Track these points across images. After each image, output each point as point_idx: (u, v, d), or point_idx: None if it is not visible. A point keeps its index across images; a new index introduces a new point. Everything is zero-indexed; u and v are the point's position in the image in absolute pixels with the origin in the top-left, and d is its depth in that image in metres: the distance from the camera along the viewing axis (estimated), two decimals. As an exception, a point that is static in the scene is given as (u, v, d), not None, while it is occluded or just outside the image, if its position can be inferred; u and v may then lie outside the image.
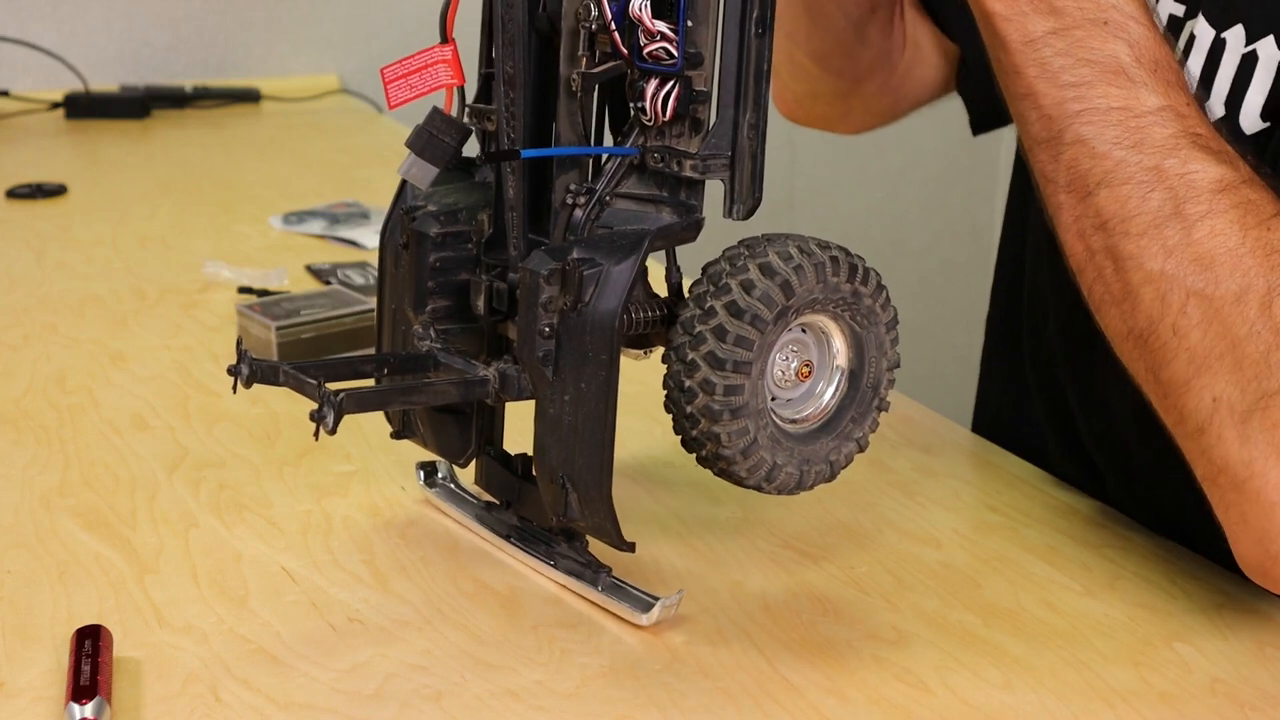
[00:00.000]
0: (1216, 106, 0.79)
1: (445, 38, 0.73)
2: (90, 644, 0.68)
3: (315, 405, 0.66)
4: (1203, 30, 0.80)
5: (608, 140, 0.74)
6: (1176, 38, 0.82)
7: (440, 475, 0.86)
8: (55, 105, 1.95)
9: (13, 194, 1.54)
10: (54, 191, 1.56)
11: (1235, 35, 0.79)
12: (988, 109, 1.08)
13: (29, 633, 0.72)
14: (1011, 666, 0.71)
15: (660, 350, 0.73)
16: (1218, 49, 0.79)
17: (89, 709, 0.64)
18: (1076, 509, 0.88)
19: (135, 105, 1.95)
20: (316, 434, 0.65)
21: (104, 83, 2.04)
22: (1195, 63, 0.80)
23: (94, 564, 0.79)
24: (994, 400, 1.10)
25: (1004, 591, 0.78)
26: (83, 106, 1.93)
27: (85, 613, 0.74)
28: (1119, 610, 0.77)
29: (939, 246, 2.62)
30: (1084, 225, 0.72)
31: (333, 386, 0.66)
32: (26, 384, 1.03)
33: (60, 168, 1.69)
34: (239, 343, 0.69)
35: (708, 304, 0.67)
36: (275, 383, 0.68)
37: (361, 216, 1.45)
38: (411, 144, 0.73)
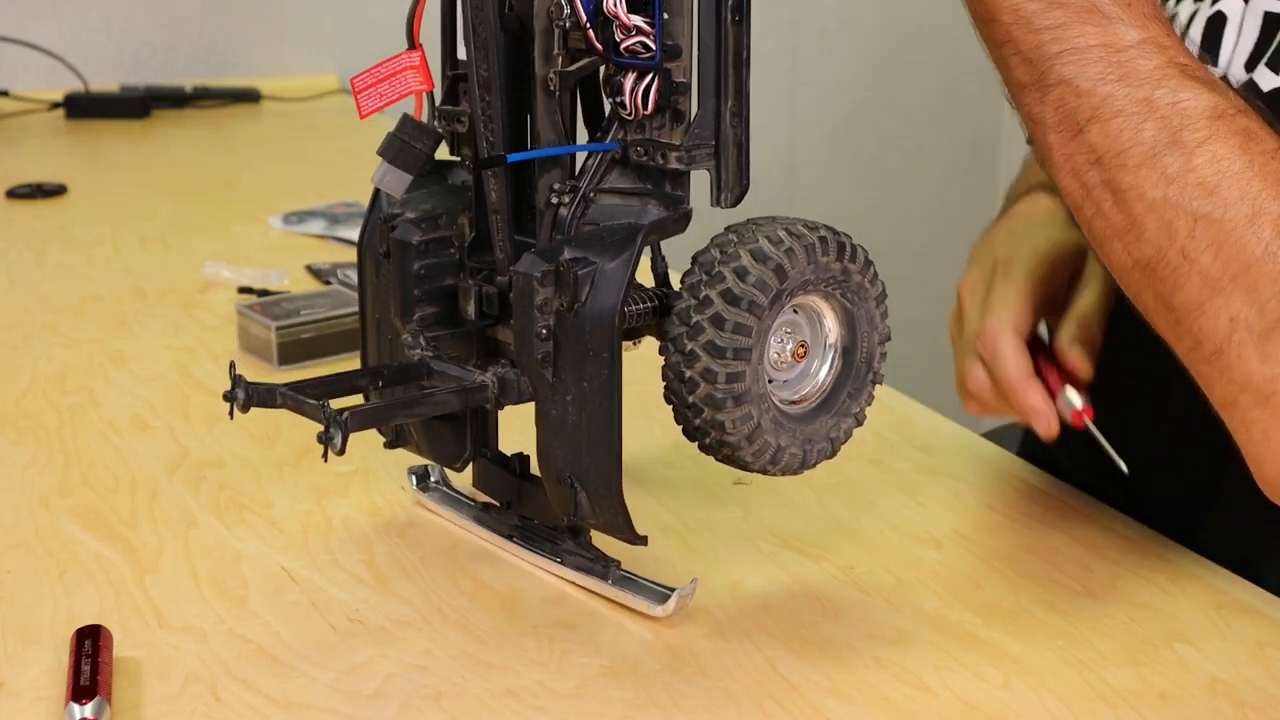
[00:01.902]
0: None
1: (412, 43, 0.73)
2: (90, 644, 0.68)
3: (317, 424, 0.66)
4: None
5: (582, 135, 0.74)
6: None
7: (433, 480, 0.86)
8: (55, 105, 1.95)
9: (13, 194, 1.54)
10: (54, 191, 1.56)
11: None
12: None
13: (29, 633, 0.72)
14: (1011, 666, 0.71)
15: (649, 339, 0.73)
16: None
17: (89, 709, 0.64)
18: (1076, 509, 0.88)
19: (135, 105, 1.95)
20: (325, 455, 0.65)
21: (104, 83, 2.04)
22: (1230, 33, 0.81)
23: (94, 564, 0.79)
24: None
25: (1004, 591, 0.78)
26: (83, 106, 1.94)
27: (85, 613, 0.74)
28: (1119, 610, 0.77)
29: (939, 246, 2.61)
30: (1077, 163, 0.73)
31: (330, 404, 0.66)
32: (26, 384, 1.03)
33: (60, 168, 1.69)
34: (232, 367, 0.69)
35: (702, 293, 0.67)
36: (273, 405, 0.68)
37: (361, 216, 1.44)
38: (384, 152, 0.73)
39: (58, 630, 0.72)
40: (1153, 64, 0.71)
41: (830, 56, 2.52)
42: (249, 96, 2.05)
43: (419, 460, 0.85)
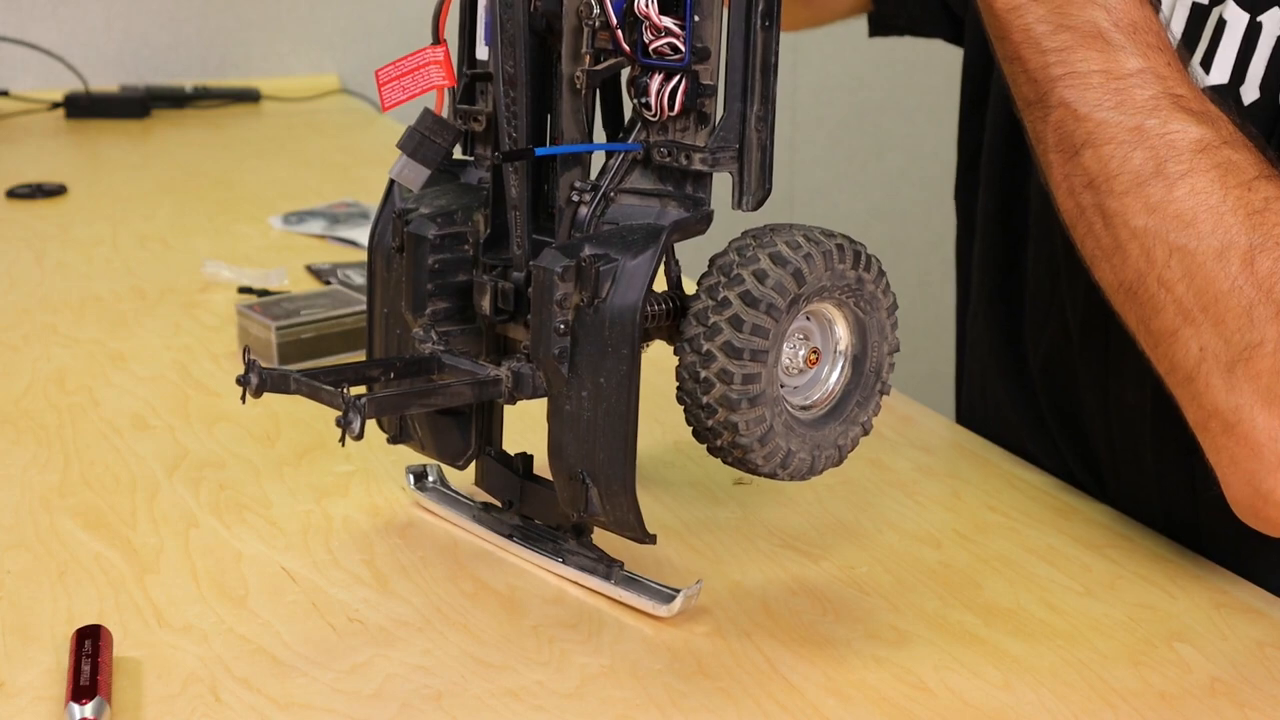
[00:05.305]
0: (1250, 91, 0.80)
1: (437, 39, 0.73)
2: (90, 644, 0.68)
3: (326, 412, 0.65)
4: (1234, 15, 0.82)
5: (596, 135, 0.74)
6: (1201, 26, 0.83)
7: (430, 479, 0.85)
8: (55, 105, 1.95)
9: (13, 194, 1.54)
10: (54, 191, 1.56)
11: (1272, 18, 0.80)
12: (890, 15, 1.15)
13: (29, 633, 0.72)
14: (1011, 666, 0.71)
15: (656, 343, 0.73)
16: (1253, 33, 0.80)
17: (89, 709, 0.64)
18: (1076, 509, 0.88)
19: (135, 105, 1.95)
20: (343, 439, 0.65)
21: (104, 83, 2.04)
22: (1229, 48, 0.82)
23: (94, 564, 0.79)
24: (990, 395, 1.09)
25: (1004, 591, 0.78)
26: (83, 106, 1.93)
27: (85, 613, 0.74)
28: (1119, 610, 0.77)
29: (939, 246, 2.61)
30: (1073, 183, 0.75)
31: None
32: (26, 384, 1.03)
33: (60, 168, 1.69)
34: (246, 351, 0.69)
35: (721, 295, 0.67)
36: (286, 391, 0.68)
37: (361, 216, 1.45)
38: (403, 145, 0.73)
39: (58, 630, 0.72)
40: (1149, 93, 0.73)
41: (830, 56, 2.52)
42: (249, 96, 2.05)
43: (418, 459, 0.85)
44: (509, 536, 0.80)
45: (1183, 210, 0.72)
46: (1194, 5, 0.84)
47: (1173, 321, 0.73)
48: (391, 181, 0.75)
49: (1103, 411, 0.95)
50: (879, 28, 1.19)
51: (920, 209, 2.65)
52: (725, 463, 0.70)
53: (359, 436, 0.65)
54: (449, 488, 0.85)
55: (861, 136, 2.60)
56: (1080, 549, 0.83)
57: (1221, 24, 0.82)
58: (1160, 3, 0.85)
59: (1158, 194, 0.72)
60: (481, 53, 0.76)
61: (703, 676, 0.70)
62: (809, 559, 0.81)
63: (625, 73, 0.72)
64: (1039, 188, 0.99)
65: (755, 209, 0.70)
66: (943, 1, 1.12)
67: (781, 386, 0.70)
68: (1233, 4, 0.81)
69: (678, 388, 0.69)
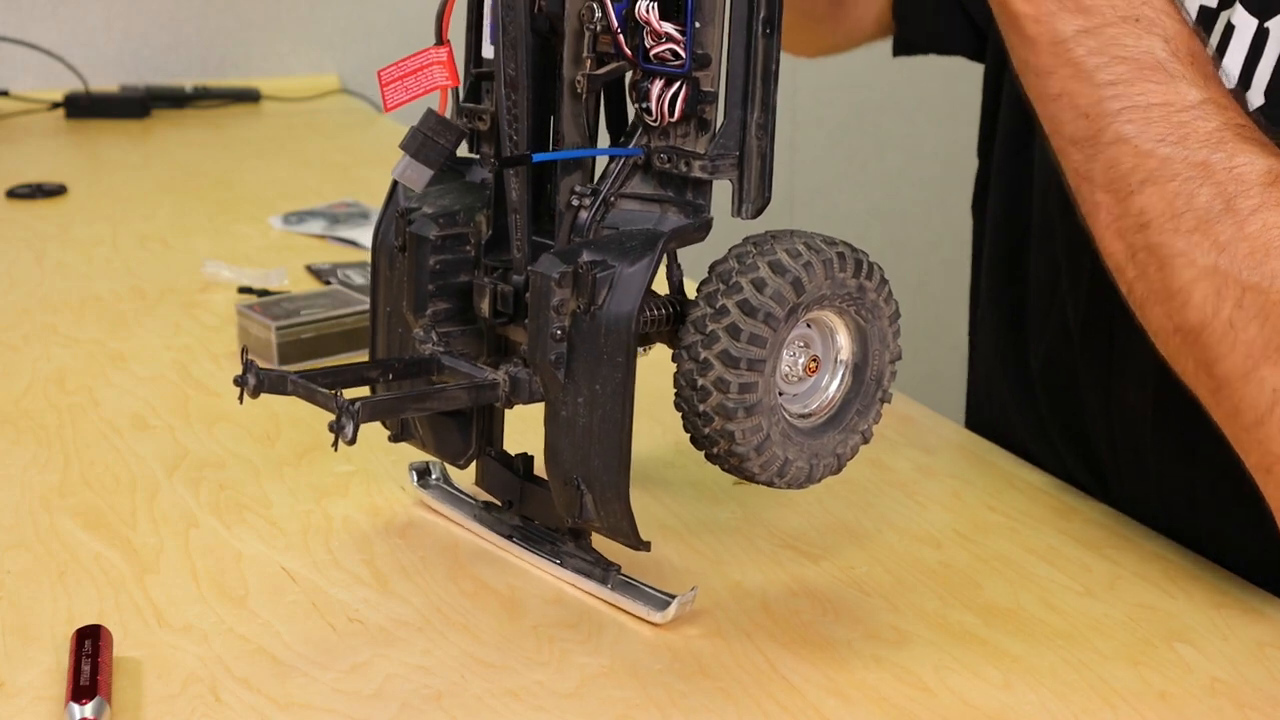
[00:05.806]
0: (1256, 97, 0.79)
1: (441, 39, 0.73)
2: (90, 644, 0.68)
3: (324, 412, 0.66)
4: (1242, 20, 0.80)
5: (601, 138, 0.74)
6: (1209, 30, 0.82)
7: (434, 476, 0.86)
8: (55, 105, 1.95)
9: (13, 194, 1.54)
10: (54, 191, 1.56)
11: (1278, 25, 0.78)
12: (913, 34, 1.14)
13: (29, 633, 0.72)
14: (1011, 666, 0.71)
15: (658, 346, 0.73)
16: (1261, 39, 0.79)
17: (89, 709, 0.64)
18: (1076, 509, 0.88)
19: (135, 105, 1.95)
20: (336, 444, 0.65)
21: (104, 83, 2.04)
22: (1236, 53, 0.80)
23: (94, 564, 0.79)
24: (995, 399, 1.09)
25: (1004, 591, 0.78)
26: (83, 106, 1.93)
27: (85, 613, 0.74)
28: (1119, 610, 0.77)
29: (939, 246, 2.62)
30: (1125, 224, 0.71)
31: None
32: (26, 384, 1.03)
33: (60, 168, 1.69)
34: (244, 352, 0.69)
35: (719, 302, 0.67)
36: (284, 392, 0.68)
37: (361, 216, 1.45)
38: (406, 146, 0.72)
39: (58, 630, 0.72)
40: (1211, 126, 0.70)
41: (830, 56, 2.52)
42: (249, 96, 2.05)
43: (421, 456, 0.85)
44: (509, 537, 0.80)
45: (1255, 247, 0.68)
46: (1202, 8, 0.83)
47: (1242, 364, 0.69)
48: (395, 181, 0.75)
49: (1104, 413, 0.95)
50: (903, 48, 1.17)
51: (920, 209, 2.65)
52: (723, 469, 0.70)
53: (351, 441, 0.65)
54: (452, 485, 0.85)
55: (861, 136, 2.61)
56: (1080, 549, 0.83)
57: (1230, 29, 0.81)
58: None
59: (1227, 231, 0.68)
60: (488, 51, 0.76)
61: (703, 676, 0.70)
62: (809, 559, 0.81)
63: (628, 76, 0.72)
64: (1042, 190, 0.98)
65: (754, 217, 0.70)
66: (966, 16, 1.10)
67: (780, 394, 0.70)
68: (1241, 9, 0.80)
69: (675, 394, 0.69)
